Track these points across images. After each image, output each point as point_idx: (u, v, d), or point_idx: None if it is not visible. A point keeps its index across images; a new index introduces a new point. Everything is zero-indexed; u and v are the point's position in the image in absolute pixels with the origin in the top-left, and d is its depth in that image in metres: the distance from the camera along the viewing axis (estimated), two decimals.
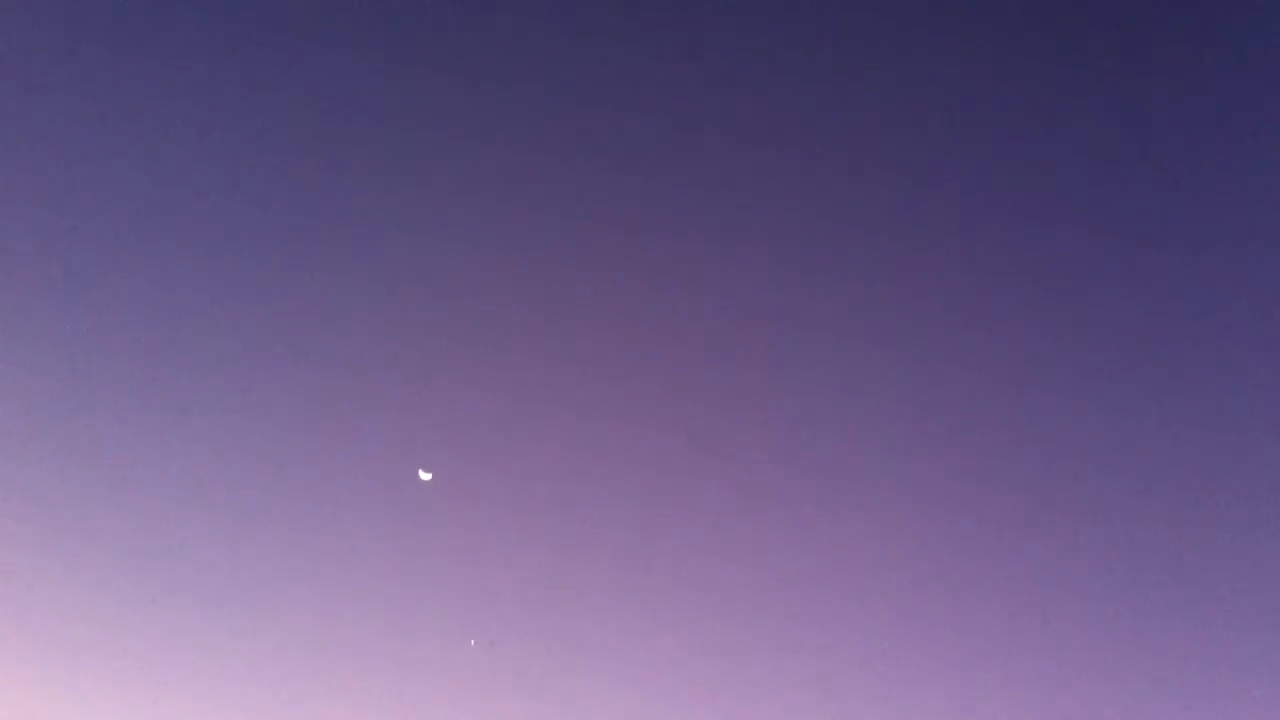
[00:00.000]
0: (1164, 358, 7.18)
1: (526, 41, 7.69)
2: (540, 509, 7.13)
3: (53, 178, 7.37)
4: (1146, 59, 7.49)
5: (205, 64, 7.55)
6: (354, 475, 7.09)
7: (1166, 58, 7.47)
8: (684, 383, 7.33)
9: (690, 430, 7.11)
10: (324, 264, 7.35)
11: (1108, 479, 7.06)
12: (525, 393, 7.21)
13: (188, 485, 7.05)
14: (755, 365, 7.40)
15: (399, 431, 7.14)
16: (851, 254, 7.49)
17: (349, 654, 6.92)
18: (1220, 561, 6.84)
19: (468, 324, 7.31)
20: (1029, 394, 7.22)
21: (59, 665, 6.81)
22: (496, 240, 7.42)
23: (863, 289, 7.44)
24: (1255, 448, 6.94)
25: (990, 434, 7.18)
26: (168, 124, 7.46)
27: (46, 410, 7.03)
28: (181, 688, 6.86)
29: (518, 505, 7.11)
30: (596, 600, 7.03)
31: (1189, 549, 6.88)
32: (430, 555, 7.07)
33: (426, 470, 7.04)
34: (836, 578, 7.06)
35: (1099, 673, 6.79)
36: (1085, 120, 7.47)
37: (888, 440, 7.22)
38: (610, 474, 7.17)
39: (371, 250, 7.36)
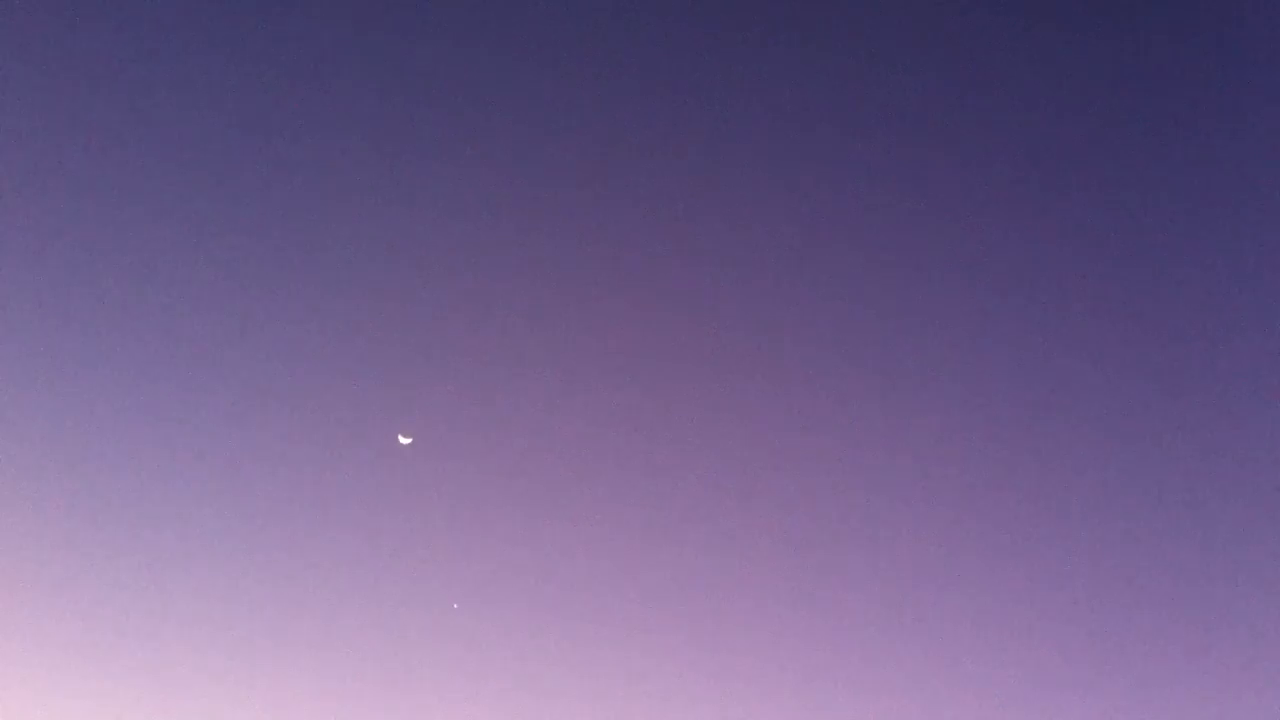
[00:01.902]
0: (1164, 359, 7.22)
1: (526, 43, 7.72)
2: (525, 479, 7.31)
3: (53, 177, 7.41)
4: (1147, 60, 7.52)
5: (206, 65, 7.58)
6: (336, 438, 7.29)
7: (1167, 59, 7.50)
8: (675, 370, 7.43)
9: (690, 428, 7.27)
10: (311, 245, 7.48)
11: (1108, 479, 7.09)
12: (512, 369, 7.43)
13: (173, 457, 7.21)
14: (753, 361, 7.42)
15: (380, 398, 7.35)
16: (852, 256, 7.52)
17: (334, 621, 7.06)
18: (1220, 561, 6.86)
19: (452, 301, 7.50)
20: (1029, 395, 7.26)
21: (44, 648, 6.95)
22: (485, 228, 7.59)
23: (863, 291, 7.48)
24: (1255, 448, 6.98)
25: (990, 435, 7.23)
26: (167, 122, 7.51)
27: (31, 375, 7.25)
28: (171, 657, 6.97)
29: (498, 471, 7.32)
30: (581, 568, 7.17)
31: (1189, 549, 6.92)
32: (411, 517, 7.25)
33: (406, 435, 7.23)
34: (836, 576, 7.10)
35: (1099, 672, 6.82)
36: (1086, 122, 7.49)
37: (888, 441, 7.26)
38: (600, 454, 7.33)
39: (358, 234, 7.53)
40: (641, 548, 7.22)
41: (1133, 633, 6.87)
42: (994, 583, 7.06)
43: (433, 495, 7.27)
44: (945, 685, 6.89)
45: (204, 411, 7.31)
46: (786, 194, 7.62)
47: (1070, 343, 7.34)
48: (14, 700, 6.81)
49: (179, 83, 7.59)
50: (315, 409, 7.32)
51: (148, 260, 7.44)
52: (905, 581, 7.09)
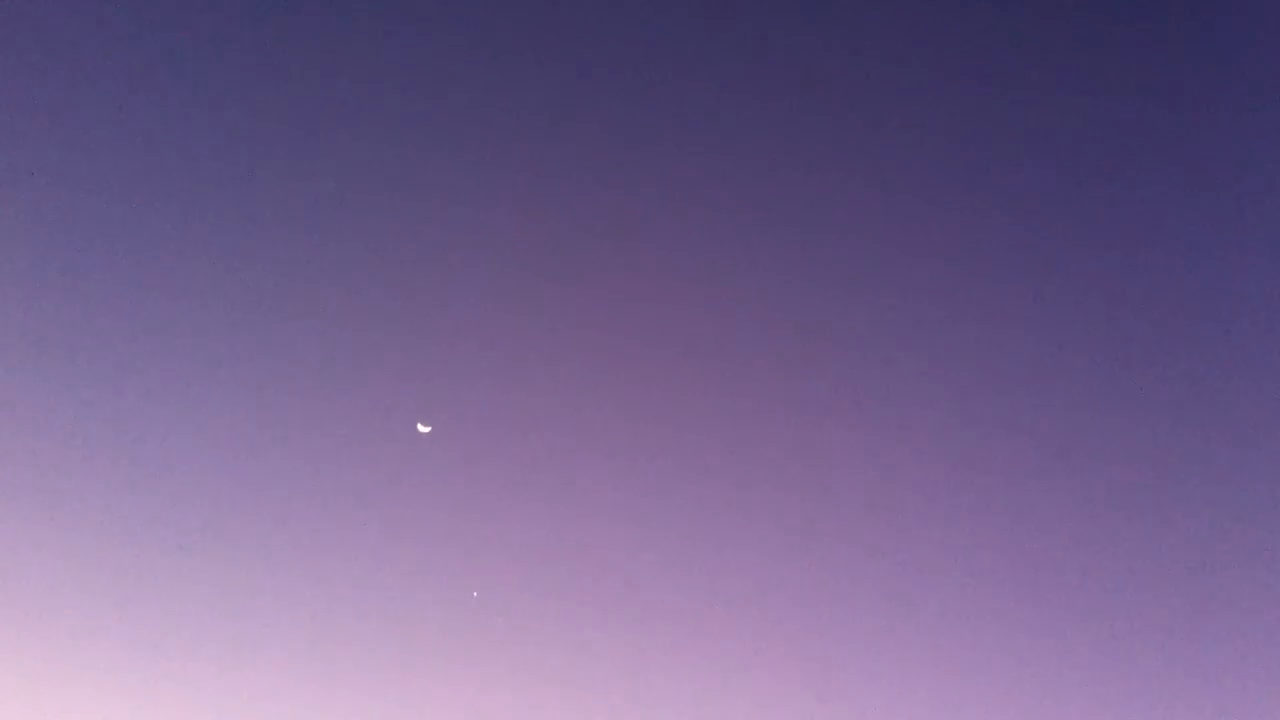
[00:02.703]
0: (1165, 359, 7.22)
1: (527, 43, 7.73)
2: (544, 467, 7.34)
3: (54, 177, 7.42)
4: (1148, 61, 7.52)
5: (207, 65, 7.59)
6: (355, 426, 7.33)
7: (1168, 60, 7.50)
8: (679, 370, 7.45)
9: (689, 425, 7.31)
10: (329, 235, 7.52)
11: (1108, 479, 7.09)
12: (531, 358, 7.47)
13: (192, 446, 7.26)
14: (753, 362, 7.43)
15: (399, 386, 7.39)
16: (853, 256, 7.53)
17: (351, 609, 7.08)
18: (1220, 562, 6.85)
19: (472, 291, 7.54)
20: (1029, 395, 7.25)
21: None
22: (504, 220, 7.61)
23: (863, 291, 7.48)
24: (1255, 448, 6.97)
25: (991, 435, 7.22)
26: (168, 123, 7.52)
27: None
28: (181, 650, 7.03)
29: (517, 459, 7.34)
30: (600, 557, 7.19)
31: (1190, 549, 6.92)
32: (430, 505, 7.29)
33: (425, 424, 7.26)
34: (836, 576, 7.10)
35: (1099, 672, 6.81)
36: (1087, 123, 7.49)
37: (889, 442, 7.26)
38: (618, 445, 7.37)
39: (376, 223, 7.58)
40: (660, 538, 7.27)
41: (1133, 633, 6.87)
42: (994, 583, 7.06)
43: (452, 483, 7.33)
44: (946, 685, 6.89)
45: (225, 401, 7.38)
46: (786, 193, 7.63)
47: (1071, 344, 7.34)
48: (13, 700, 6.81)
49: (178, 81, 7.61)
50: (334, 396, 7.39)
51: (179, 244, 7.50)
52: (906, 582, 7.09)
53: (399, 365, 7.44)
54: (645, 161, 7.71)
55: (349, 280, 7.53)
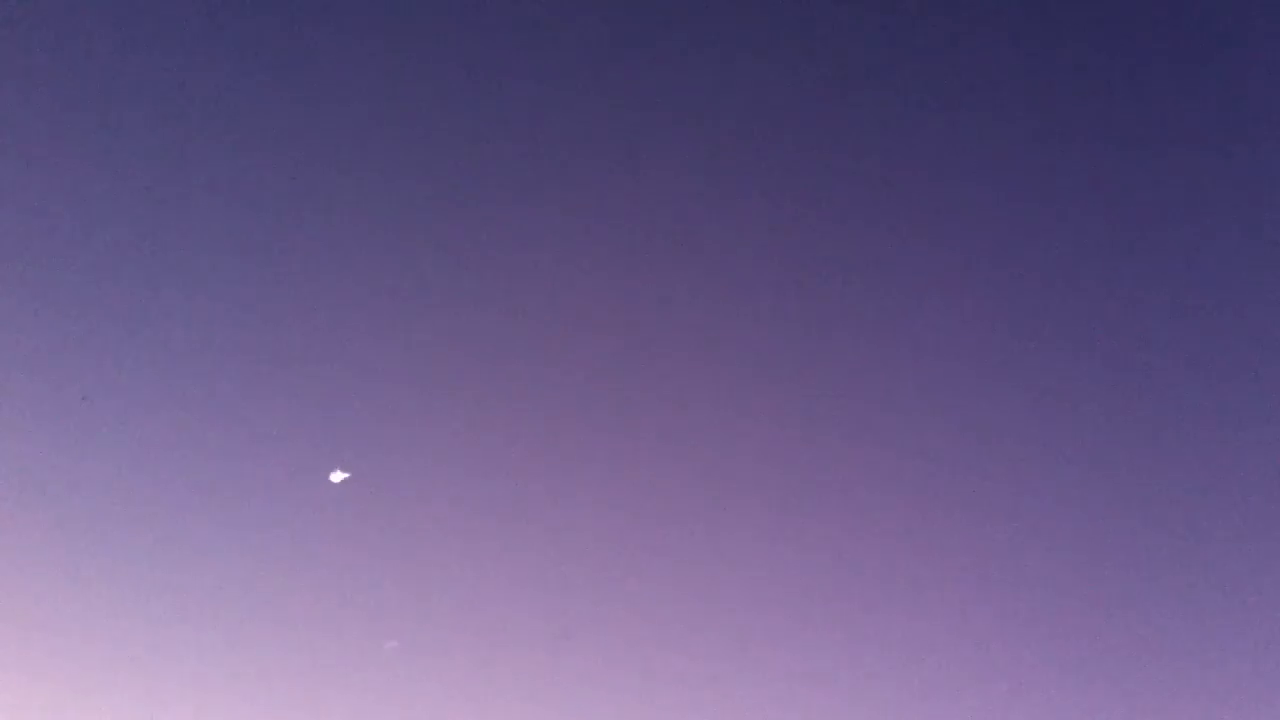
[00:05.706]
0: (1165, 358, 7.23)
1: (527, 41, 7.72)
2: (465, 517, 7.10)
3: (54, 177, 7.39)
4: (1149, 59, 7.53)
5: (207, 64, 7.57)
6: (264, 475, 7.04)
7: (1170, 58, 7.51)
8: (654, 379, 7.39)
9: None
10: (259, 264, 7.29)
11: (1109, 480, 7.10)
12: (457, 399, 7.21)
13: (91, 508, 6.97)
14: (743, 362, 7.43)
15: (312, 434, 7.10)
16: (853, 254, 7.53)
17: (265, 663, 6.84)
18: (1220, 562, 6.87)
19: (390, 325, 7.28)
20: (1030, 396, 7.27)
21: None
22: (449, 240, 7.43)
23: (864, 289, 7.49)
24: (1255, 448, 6.98)
25: (991, 435, 7.24)
26: (165, 122, 7.49)
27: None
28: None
29: (438, 509, 7.09)
30: (522, 609, 7.01)
31: (1190, 549, 6.93)
32: (345, 558, 7.02)
33: (340, 472, 6.96)
34: (833, 577, 7.10)
35: (1099, 673, 6.82)
36: (1088, 122, 7.50)
37: (889, 442, 7.26)
38: (544, 495, 7.17)
39: (313, 250, 7.35)
40: (591, 592, 7.08)
41: (1133, 635, 6.89)
42: (993, 583, 7.08)
43: (369, 535, 7.07)
44: (945, 687, 6.90)
45: (124, 455, 7.11)
46: (780, 197, 7.63)
47: (1070, 347, 7.35)
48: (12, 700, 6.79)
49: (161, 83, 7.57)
50: (243, 442, 7.11)
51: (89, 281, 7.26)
52: (904, 584, 7.10)
53: (312, 412, 7.16)
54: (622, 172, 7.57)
55: (254, 319, 7.26)
